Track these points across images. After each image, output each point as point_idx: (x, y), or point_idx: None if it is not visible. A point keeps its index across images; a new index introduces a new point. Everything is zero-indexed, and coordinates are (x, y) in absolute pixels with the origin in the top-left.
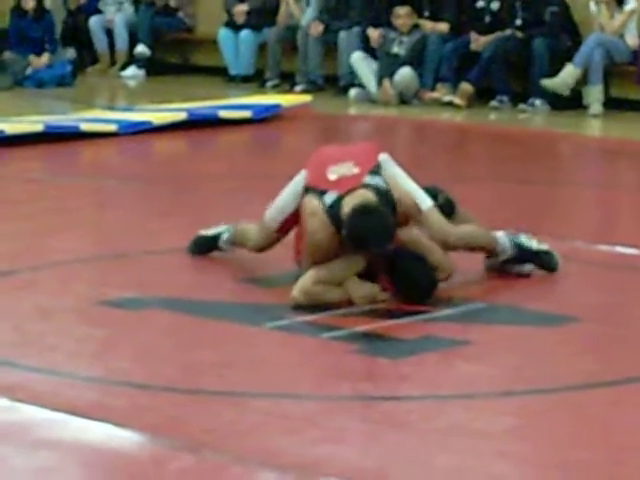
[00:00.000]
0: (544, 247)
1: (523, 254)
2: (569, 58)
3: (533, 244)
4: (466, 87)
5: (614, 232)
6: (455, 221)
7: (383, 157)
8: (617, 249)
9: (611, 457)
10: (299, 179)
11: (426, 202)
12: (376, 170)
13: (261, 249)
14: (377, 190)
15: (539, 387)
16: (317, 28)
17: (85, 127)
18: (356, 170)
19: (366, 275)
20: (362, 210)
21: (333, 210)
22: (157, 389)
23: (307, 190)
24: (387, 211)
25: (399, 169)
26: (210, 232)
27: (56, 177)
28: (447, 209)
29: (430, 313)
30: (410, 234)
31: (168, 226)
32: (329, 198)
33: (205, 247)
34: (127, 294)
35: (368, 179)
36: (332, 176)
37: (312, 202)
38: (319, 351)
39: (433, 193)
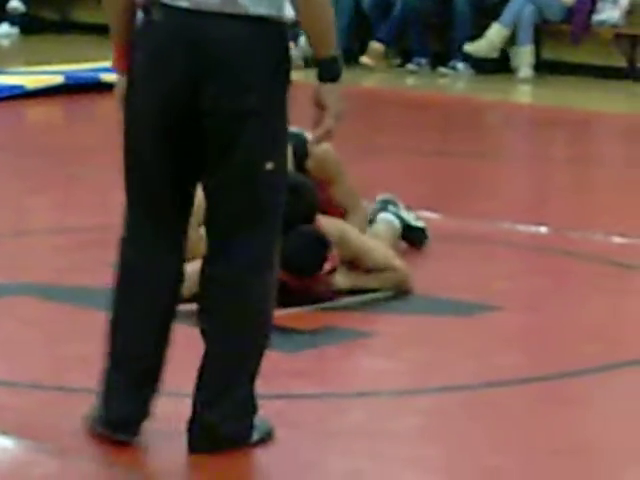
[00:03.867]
0: (420, 224)
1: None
2: (495, 16)
3: (411, 219)
4: (376, 47)
5: (542, 211)
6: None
7: None
8: (545, 230)
9: (531, 463)
10: None
11: None
12: None
13: None
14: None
15: (451, 384)
16: None
17: None
18: None
19: None
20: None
21: None
22: (21, 386)
23: None
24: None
25: None
26: None
27: None
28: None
29: (331, 301)
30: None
31: (40, 204)
32: None
33: None
34: None
35: None
36: None
37: None
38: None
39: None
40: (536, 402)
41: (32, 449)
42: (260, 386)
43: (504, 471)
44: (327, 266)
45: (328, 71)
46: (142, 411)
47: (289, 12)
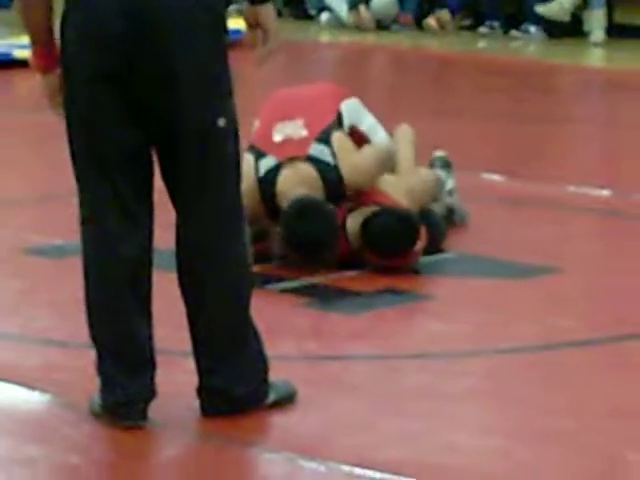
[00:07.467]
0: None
1: None
2: None
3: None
4: (442, 14)
5: (609, 175)
6: None
7: (348, 104)
8: (609, 193)
9: (588, 425)
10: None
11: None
12: (327, 133)
13: None
14: (321, 166)
15: (509, 346)
16: None
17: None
18: (304, 133)
19: None
20: (300, 211)
21: (266, 179)
22: (77, 347)
23: (250, 148)
24: (329, 208)
25: (367, 117)
26: None
27: None
28: None
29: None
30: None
31: None
32: (266, 164)
33: None
34: (53, 241)
35: (314, 148)
36: (277, 137)
37: (247, 164)
38: (262, 305)
39: None
40: (594, 365)
41: (85, 408)
42: (316, 348)
43: (561, 433)
44: (417, 247)
45: None
46: (144, 393)
47: None
